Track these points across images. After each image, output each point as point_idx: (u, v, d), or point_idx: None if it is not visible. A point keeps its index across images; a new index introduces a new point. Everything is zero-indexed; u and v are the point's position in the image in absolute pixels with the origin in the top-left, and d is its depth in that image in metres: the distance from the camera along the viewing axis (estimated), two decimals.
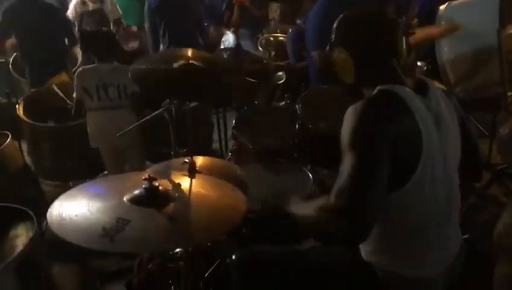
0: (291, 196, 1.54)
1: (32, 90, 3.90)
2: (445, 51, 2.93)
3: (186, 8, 4.13)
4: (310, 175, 2.01)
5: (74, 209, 1.33)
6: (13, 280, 1.63)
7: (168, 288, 1.86)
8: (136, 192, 1.40)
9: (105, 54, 2.92)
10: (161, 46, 4.14)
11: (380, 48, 1.46)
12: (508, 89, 2.81)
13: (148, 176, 1.40)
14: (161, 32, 4.10)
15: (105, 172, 3.37)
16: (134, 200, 1.37)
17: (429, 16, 3.09)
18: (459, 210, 1.52)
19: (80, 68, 2.96)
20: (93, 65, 2.97)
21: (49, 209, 1.35)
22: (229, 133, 3.38)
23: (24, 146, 3.40)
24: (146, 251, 1.43)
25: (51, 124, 3.37)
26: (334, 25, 1.51)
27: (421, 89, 1.44)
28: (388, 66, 1.46)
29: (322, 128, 2.28)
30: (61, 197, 1.42)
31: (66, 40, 4.18)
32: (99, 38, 2.96)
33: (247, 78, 3.28)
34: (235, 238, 1.81)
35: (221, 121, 3.66)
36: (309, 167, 2.30)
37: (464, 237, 2.45)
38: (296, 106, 2.34)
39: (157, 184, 1.41)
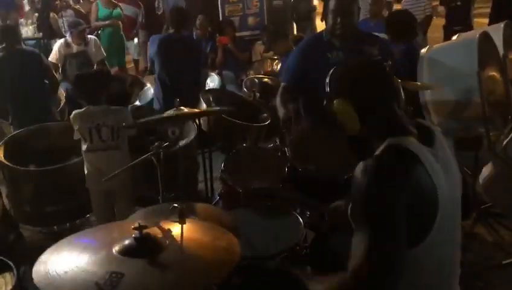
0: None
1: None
2: (428, 92, 3.00)
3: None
4: (300, 219, 1.98)
5: (62, 265, 1.27)
6: None
7: None
8: (126, 242, 1.35)
9: (98, 97, 2.92)
10: None
11: (383, 97, 1.43)
12: (489, 129, 2.88)
13: (139, 224, 1.35)
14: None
15: (88, 215, 3.30)
16: (125, 252, 1.32)
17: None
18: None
19: (74, 112, 2.95)
20: (85, 108, 2.95)
21: (35, 266, 1.29)
22: (215, 173, 3.35)
23: (3, 189, 3.31)
24: None
25: (32, 167, 3.29)
26: (332, 76, 1.49)
27: (426, 136, 1.41)
28: (393, 114, 1.41)
29: (312, 170, 2.27)
30: (47, 251, 1.36)
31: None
32: (96, 81, 2.98)
33: (233, 119, 3.31)
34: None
35: (207, 160, 3.64)
36: (298, 209, 2.27)
37: None
38: (285, 148, 2.33)
39: (148, 232, 1.36)
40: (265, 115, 3.83)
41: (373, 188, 1.23)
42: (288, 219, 2.04)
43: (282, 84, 2.91)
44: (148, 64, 5.18)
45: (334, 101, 1.42)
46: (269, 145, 2.56)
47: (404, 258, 1.23)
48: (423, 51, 3.06)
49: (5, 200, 3.23)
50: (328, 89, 1.50)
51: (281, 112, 2.63)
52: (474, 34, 2.94)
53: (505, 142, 2.93)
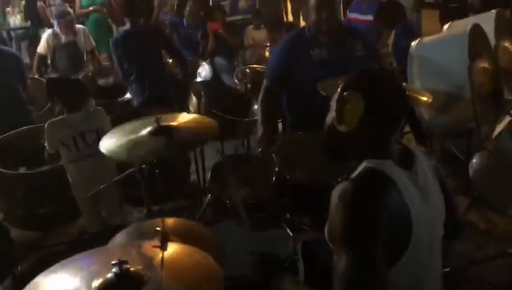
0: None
1: None
2: (418, 86, 2.96)
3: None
4: (289, 231, 1.98)
5: None
6: None
7: None
8: (107, 278, 1.34)
9: (75, 104, 2.83)
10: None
11: (394, 116, 1.41)
12: (480, 124, 2.87)
13: (118, 260, 1.34)
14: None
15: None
16: (105, 288, 1.31)
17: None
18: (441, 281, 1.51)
19: (48, 122, 2.84)
20: (61, 117, 2.85)
21: None
22: (207, 163, 3.33)
23: None
24: None
25: (22, 170, 3.27)
26: (356, 73, 1.44)
27: (406, 159, 1.40)
28: (385, 136, 1.41)
29: (300, 177, 2.25)
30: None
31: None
32: (68, 88, 2.88)
33: (225, 114, 3.28)
34: None
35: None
36: (288, 215, 2.27)
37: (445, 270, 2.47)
38: (273, 155, 2.31)
39: (127, 268, 1.35)
40: (256, 107, 3.79)
41: (349, 214, 1.24)
42: (276, 231, 2.03)
43: (265, 83, 2.87)
44: None
45: (348, 91, 1.38)
46: (258, 151, 2.53)
47: (384, 281, 1.24)
48: (413, 45, 3.02)
49: None
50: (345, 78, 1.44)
51: (258, 124, 2.62)
52: (465, 27, 2.88)
53: (495, 134, 2.92)
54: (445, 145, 3.86)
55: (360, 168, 1.36)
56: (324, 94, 2.20)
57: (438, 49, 2.96)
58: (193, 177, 3.81)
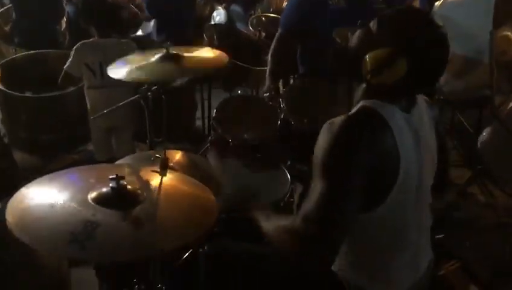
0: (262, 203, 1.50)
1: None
2: None
3: None
4: (288, 175, 1.97)
5: (38, 205, 1.25)
6: None
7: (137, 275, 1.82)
8: (103, 191, 1.33)
9: (108, 29, 2.78)
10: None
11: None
12: (496, 92, 2.80)
13: (116, 175, 1.33)
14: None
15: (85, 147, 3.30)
16: (101, 201, 1.30)
17: None
18: (429, 230, 1.51)
19: (80, 43, 2.80)
20: (93, 40, 2.81)
21: (10, 202, 1.28)
22: (214, 111, 3.30)
23: None
24: (116, 260, 1.36)
25: (28, 94, 3.25)
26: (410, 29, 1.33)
27: (406, 102, 1.38)
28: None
29: (305, 124, 2.22)
30: (28, 185, 1.34)
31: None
32: (105, 10, 2.80)
33: (237, 61, 3.22)
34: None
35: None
36: (289, 162, 2.25)
37: (439, 236, 2.48)
38: (280, 99, 2.27)
39: (125, 184, 1.34)
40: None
41: (335, 144, 1.24)
42: (276, 172, 2.03)
43: (279, 32, 2.79)
44: None
45: (394, 52, 1.28)
46: (265, 94, 2.48)
47: (353, 217, 1.25)
48: (436, 4, 2.91)
49: (0, 125, 3.25)
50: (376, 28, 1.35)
51: (267, 75, 2.55)
52: None
53: (509, 107, 2.86)
54: (455, 116, 3.81)
55: (357, 106, 1.36)
56: (340, 41, 2.13)
57: (461, 10, 2.85)
58: (198, 123, 3.81)
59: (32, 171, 3.23)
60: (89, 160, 3.13)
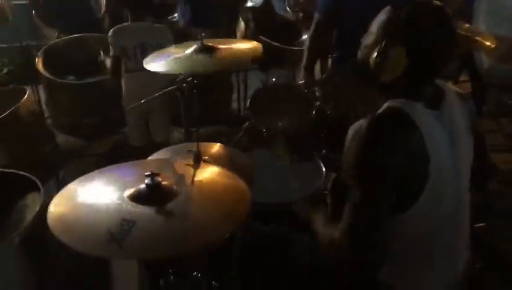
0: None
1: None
2: (483, 28, 2.74)
3: None
4: (323, 167, 1.95)
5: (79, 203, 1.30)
6: (18, 253, 1.65)
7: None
8: (139, 188, 1.37)
9: (141, 12, 2.80)
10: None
11: (440, 62, 1.32)
12: None
13: (151, 172, 1.36)
14: None
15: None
16: (136, 198, 1.34)
17: None
18: (468, 229, 1.47)
19: (113, 28, 2.85)
20: (126, 24, 2.85)
21: (58, 195, 1.33)
22: (250, 93, 3.29)
23: (43, 96, 3.42)
24: (153, 257, 1.40)
25: (70, 78, 3.34)
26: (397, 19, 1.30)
27: (435, 99, 1.33)
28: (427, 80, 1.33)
29: (341, 114, 2.18)
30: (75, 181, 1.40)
31: None
32: None
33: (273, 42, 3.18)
34: None
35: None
36: (324, 152, 2.24)
37: (480, 225, 2.41)
38: (315, 88, 2.24)
39: (159, 180, 1.37)
40: (305, 37, 3.65)
41: (364, 147, 1.22)
42: (310, 163, 2.01)
43: (316, 17, 2.72)
44: None
45: (391, 44, 1.27)
46: (300, 82, 2.45)
47: (389, 224, 1.25)
48: None
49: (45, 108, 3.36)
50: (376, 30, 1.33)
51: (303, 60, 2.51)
52: None
53: None
54: (501, 99, 3.66)
55: (383, 106, 1.32)
56: None
57: None
58: (234, 105, 3.82)
59: (74, 153, 3.38)
60: (123, 145, 3.20)
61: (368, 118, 1.26)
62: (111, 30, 2.85)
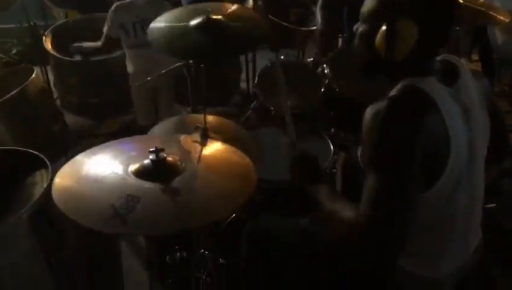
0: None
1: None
2: (498, 4, 2.66)
3: None
4: (331, 145, 1.92)
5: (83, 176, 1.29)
6: (26, 230, 1.66)
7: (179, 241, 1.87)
8: (143, 164, 1.36)
9: None
10: None
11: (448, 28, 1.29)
12: None
13: (155, 147, 1.35)
14: None
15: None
16: (141, 173, 1.33)
17: None
18: (481, 210, 1.43)
19: (115, 4, 2.86)
20: (128, 1, 2.85)
21: (62, 168, 1.33)
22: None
23: (51, 76, 3.41)
24: (158, 233, 1.39)
25: (77, 58, 3.33)
26: None
27: (450, 75, 1.30)
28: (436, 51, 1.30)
29: (350, 92, 2.15)
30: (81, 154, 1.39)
31: None
32: None
33: (284, 23, 3.13)
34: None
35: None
36: (332, 130, 2.21)
37: (490, 205, 2.37)
38: (324, 65, 2.20)
39: (164, 156, 1.36)
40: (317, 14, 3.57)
41: (384, 130, 1.17)
42: (318, 141, 1.99)
43: None
44: None
45: (399, 19, 1.23)
46: (309, 59, 2.41)
47: (414, 205, 1.19)
48: None
49: (53, 88, 3.36)
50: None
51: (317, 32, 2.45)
52: None
53: None
54: None
55: (398, 86, 1.26)
56: None
57: None
58: (243, 85, 3.78)
59: (83, 133, 3.39)
60: (137, 123, 3.20)
61: (385, 99, 1.21)
62: (113, 6, 2.85)
